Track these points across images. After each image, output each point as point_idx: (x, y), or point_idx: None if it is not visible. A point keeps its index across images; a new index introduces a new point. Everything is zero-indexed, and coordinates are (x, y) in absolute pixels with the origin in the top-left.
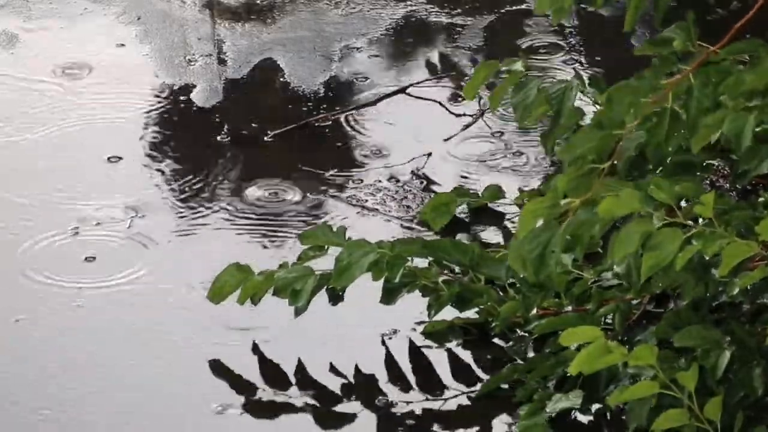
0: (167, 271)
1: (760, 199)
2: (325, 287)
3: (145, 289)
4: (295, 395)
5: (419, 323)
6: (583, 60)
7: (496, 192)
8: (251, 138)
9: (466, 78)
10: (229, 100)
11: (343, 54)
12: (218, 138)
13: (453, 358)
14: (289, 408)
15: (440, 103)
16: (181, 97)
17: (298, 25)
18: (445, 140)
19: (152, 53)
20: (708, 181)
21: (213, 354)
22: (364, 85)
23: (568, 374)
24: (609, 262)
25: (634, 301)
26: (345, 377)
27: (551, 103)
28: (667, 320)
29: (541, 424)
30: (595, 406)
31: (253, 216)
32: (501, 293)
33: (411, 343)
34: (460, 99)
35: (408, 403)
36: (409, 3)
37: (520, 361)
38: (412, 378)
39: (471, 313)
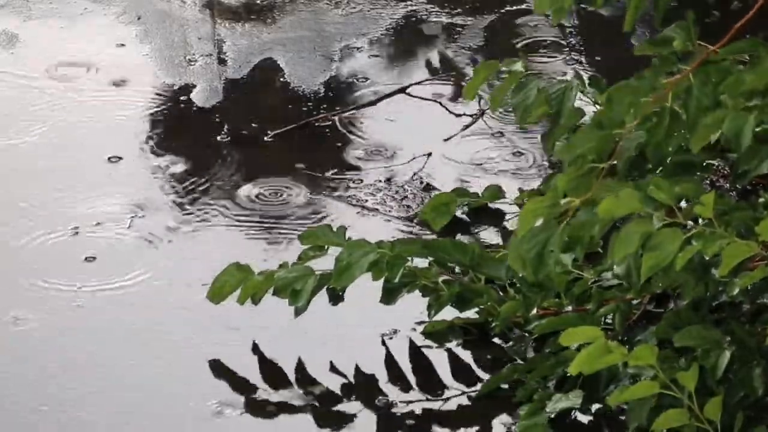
0: (167, 271)
1: (760, 200)
2: (325, 287)
3: (145, 289)
4: (295, 395)
5: (419, 323)
6: (583, 60)
7: (496, 192)
8: (251, 138)
9: (467, 78)
10: (229, 100)
11: (343, 54)
12: (218, 138)
13: (453, 358)
14: (289, 408)
15: (440, 103)
16: (181, 97)
17: (298, 25)
18: (445, 140)
19: (152, 53)
20: (708, 181)
21: (213, 354)
22: (364, 85)
23: (568, 374)
24: (609, 262)
25: (634, 301)
26: (345, 377)
27: (551, 104)
28: (667, 320)
29: (541, 424)
30: (595, 406)
31: (253, 216)
32: (501, 293)
33: (411, 343)
34: (460, 99)
35: (408, 403)
36: (409, 3)
37: (520, 361)
38: (412, 378)
39: (471, 313)
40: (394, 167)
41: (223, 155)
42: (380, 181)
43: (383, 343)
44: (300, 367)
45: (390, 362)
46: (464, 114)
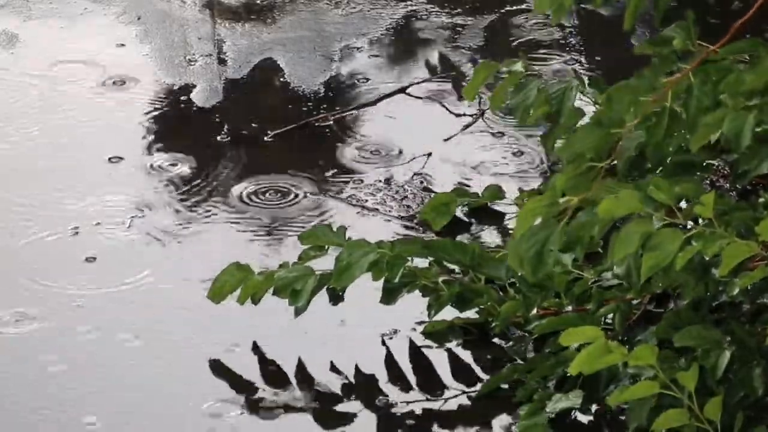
0: (167, 270)
1: (760, 200)
2: (325, 287)
3: (145, 289)
4: (295, 395)
5: (419, 323)
6: (583, 60)
7: (496, 192)
8: (251, 138)
9: (467, 78)
10: (229, 100)
11: (343, 54)
12: (218, 138)
13: (453, 358)
14: (289, 408)
15: (440, 103)
16: (181, 97)
17: (298, 25)
18: (445, 140)
19: (152, 53)
20: (708, 181)
21: (213, 354)
22: (364, 85)
23: (568, 374)
24: (609, 263)
25: (634, 301)
26: (345, 377)
27: (551, 104)
28: (667, 320)
29: (541, 424)
30: (595, 406)
31: (253, 216)
32: (501, 293)
33: (411, 343)
34: (460, 99)
35: (408, 403)
36: (409, 3)
37: (520, 361)
38: (412, 378)
39: (471, 313)
40: (394, 167)
41: (223, 155)
42: (380, 181)
43: (383, 343)
44: (300, 367)
45: (390, 362)
46: (464, 114)
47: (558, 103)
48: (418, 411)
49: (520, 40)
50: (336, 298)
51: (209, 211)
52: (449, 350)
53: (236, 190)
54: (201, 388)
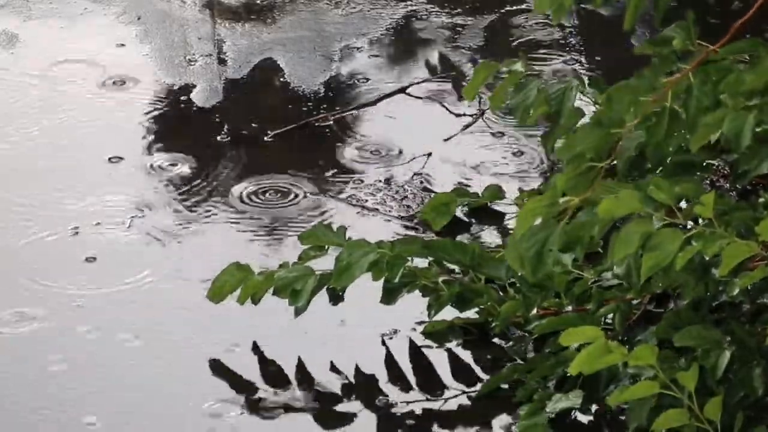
0: (167, 270)
1: (760, 200)
2: (325, 287)
3: (145, 289)
4: (295, 395)
5: (419, 323)
6: (583, 60)
7: (496, 192)
8: (251, 138)
9: (467, 78)
10: (229, 100)
11: (343, 54)
12: (218, 138)
13: (453, 358)
14: (289, 408)
15: (440, 103)
16: (181, 97)
17: (298, 25)
18: (445, 140)
19: (152, 53)
20: (708, 181)
21: (213, 354)
22: (364, 85)
23: (568, 374)
24: (609, 263)
25: (634, 301)
26: (345, 377)
27: (551, 104)
28: (667, 320)
29: (541, 424)
30: (595, 406)
31: (253, 216)
32: (501, 293)
33: (411, 343)
34: (460, 99)
35: (408, 403)
36: (409, 3)
37: (520, 361)
38: (412, 378)
39: (471, 313)
40: (394, 167)
41: (223, 155)
42: (380, 181)
43: (383, 343)
44: (300, 367)
45: (390, 362)
46: (464, 114)
47: (558, 103)
48: (418, 411)
49: (520, 40)
50: (336, 298)
51: (209, 211)
52: (449, 350)
53: (236, 190)
54: (201, 388)
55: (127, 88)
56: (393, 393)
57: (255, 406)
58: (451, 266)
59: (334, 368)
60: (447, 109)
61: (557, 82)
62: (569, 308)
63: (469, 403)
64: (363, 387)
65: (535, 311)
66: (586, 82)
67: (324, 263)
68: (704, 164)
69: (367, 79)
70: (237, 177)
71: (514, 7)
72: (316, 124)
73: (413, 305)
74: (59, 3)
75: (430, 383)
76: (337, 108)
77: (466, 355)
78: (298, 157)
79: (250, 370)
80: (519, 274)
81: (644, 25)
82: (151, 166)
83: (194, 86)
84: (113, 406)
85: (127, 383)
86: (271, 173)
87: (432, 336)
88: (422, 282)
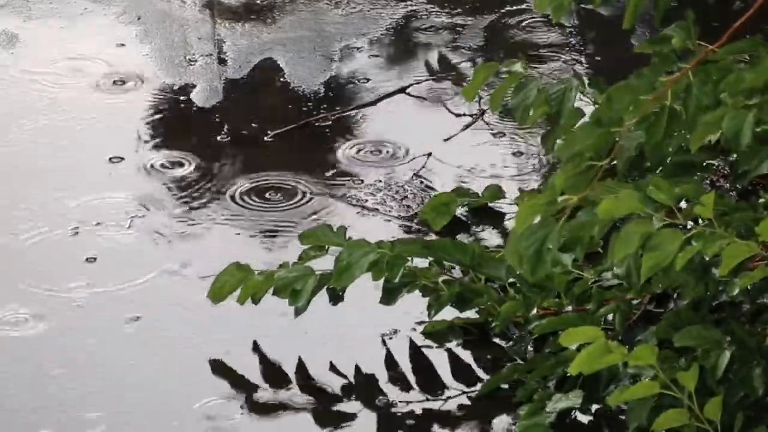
0: (167, 270)
1: (760, 200)
2: (325, 287)
3: (145, 289)
4: (295, 395)
5: (419, 323)
6: (583, 60)
7: (496, 192)
8: (251, 138)
9: (467, 78)
10: (229, 100)
11: (343, 54)
12: (218, 138)
13: (453, 358)
14: (289, 408)
15: (440, 103)
16: (181, 97)
17: (298, 25)
18: (445, 140)
19: (152, 53)
20: (708, 181)
21: (213, 354)
22: (364, 85)
23: (568, 374)
24: (609, 263)
25: (634, 301)
26: (345, 377)
27: (551, 104)
28: (667, 320)
29: (541, 424)
30: (595, 406)
31: (253, 216)
32: (501, 293)
33: (411, 343)
34: (460, 99)
35: (408, 403)
36: (409, 3)
37: (520, 361)
38: (412, 378)
39: (471, 313)
40: (394, 167)
41: (223, 155)
42: (380, 181)
43: (383, 343)
44: (300, 367)
45: (390, 362)
46: (464, 114)
47: (558, 104)
48: (418, 411)
49: (520, 40)
50: (336, 298)
51: (209, 210)
52: (449, 350)
53: (236, 190)
54: (201, 387)
55: (128, 88)
56: (393, 393)
57: (255, 406)
58: (451, 266)
59: (333, 368)
60: (447, 109)
61: (557, 83)
62: (569, 308)
63: (469, 403)
64: (363, 387)
65: (535, 311)
66: (586, 82)
67: (324, 263)
68: (704, 164)
69: (367, 79)
70: (237, 177)
71: (514, 7)
72: (316, 124)
73: (413, 305)
74: (59, 3)
75: (430, 383)
76: (337, 108)
77: (466, 355)
78: (298, 157)
79: (250, 370)
80: (518, 273)
81: (644, 24)
82: (152, 166)
83: (194, 86)
84: (113, 406)
85: (127, 383)
86: (271, 173)
87: (432, 336)
88: (422, 282)
